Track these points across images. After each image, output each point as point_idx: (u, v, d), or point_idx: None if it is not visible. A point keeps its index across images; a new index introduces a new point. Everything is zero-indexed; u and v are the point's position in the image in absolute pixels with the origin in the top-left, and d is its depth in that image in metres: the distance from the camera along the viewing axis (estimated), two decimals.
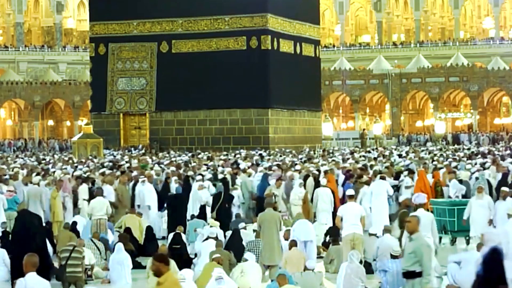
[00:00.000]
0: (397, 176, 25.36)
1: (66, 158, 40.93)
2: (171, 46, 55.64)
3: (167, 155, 43.92)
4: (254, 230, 17.94)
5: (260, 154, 40.76)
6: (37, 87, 78.80)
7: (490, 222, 18.17)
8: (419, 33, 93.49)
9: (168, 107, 55.29)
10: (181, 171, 28.09)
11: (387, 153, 40.90)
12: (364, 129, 69.41)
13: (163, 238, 20.91)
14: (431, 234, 15.14)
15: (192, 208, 21.79)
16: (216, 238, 16.96)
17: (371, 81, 79.82)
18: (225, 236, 18.25)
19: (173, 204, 21.38)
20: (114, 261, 16.45)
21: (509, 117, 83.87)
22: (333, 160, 33.05)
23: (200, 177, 23.57)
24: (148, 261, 14.70)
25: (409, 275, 10.74)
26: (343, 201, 20.76)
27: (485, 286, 7.55)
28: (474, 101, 78.58)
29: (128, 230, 18.98)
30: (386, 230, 16.41)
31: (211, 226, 18.28)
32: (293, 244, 15.99)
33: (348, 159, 34.17)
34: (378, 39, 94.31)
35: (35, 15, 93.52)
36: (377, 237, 17.03)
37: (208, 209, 21.57)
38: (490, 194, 21.58)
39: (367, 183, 22.50)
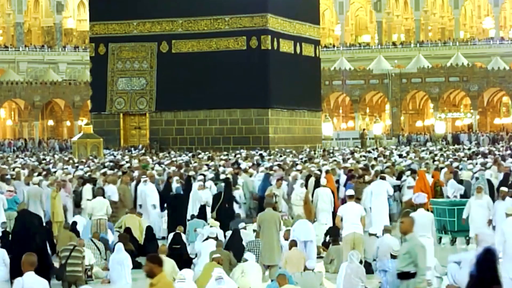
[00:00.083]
0: (399, 176, 25.39)
1: (66, 158, 40.94)
2: (171, 46, 55.64)
3: (167, 155, 43.92)
4: (254, 230, 17.94)
5: (261, 154, 40.77)
6: (37, 87, 78.81)
7: (490, 222, 18.16)
8: (419, 33, 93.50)
9: (168, 107, 55.28)
10: (182, 171, 28.11)
11: (387, 153, 40.90)
12: (364, 129, 69.39)
13: (163, 238, 20.91)
14: (431, 234, 15.15)
15: (192, 208, 21.80)
16: (216, 238, 16.97)
17: (371, 81, 79.82)
18: (225, 236, 18.25)
19: (173, 204, 21.40)
20: (114, 261, 16.45)
21: (509, 117, 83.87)
22: (334, 160, 33.06)
23: (201, 177, 23.59)
24: None
25: (404, 276, 10.74)
26: (345, 201, 20.75)
27: (479, 286, 7.57)
28: (474, 101, 78.58)
29: (128, 230, 18.98)
30: (386, 230, 16.41)
31: (211, 226, 18.28)
32: (293, 244, 15.99)
33: (348, 159, 34.18)
34: (378, 39, 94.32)
35: (35, 15, 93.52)
36: (377, 237, 17.03)
37: (208, 209, 21.57)
38: (492, 194, 21.56)
39: (370, 183, 22.51)
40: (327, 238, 18.72)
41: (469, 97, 79.50)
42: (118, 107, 56.24)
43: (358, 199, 20.63)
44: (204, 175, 24.52)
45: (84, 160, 37.38)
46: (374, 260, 15.88)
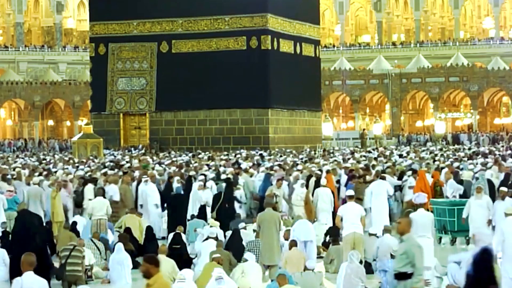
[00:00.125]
0: (400, 176, 25.38)
1: (67, 158, 40.95)
2: (171, 46, 55.63)
3: (167, 155, 43.93)
4: (254, 230, 17.94)
5: (261, 154, 40.77)
6: (37, 87, 78.81)
7: (489, 222, 18.16)
8: (419, 33, 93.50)
9: (168, 107, 55.28)
10: (182, 171, 28.14)
11: (387, 153, 40.90)
12: (364, 129, 69.39)
13: (163, 238, 20.90)
14: (431, 234, 15.15)
15: (192, 208, 21.80)
16: (216, 238, 16.97)
17: (371, 81, 79.82)
18: (225, 236, 18.25)
19: (173, 204, 21.41)
20: (114, 261, 16.45)
21: (509, 117, 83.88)
22: (335, 160, 33.07)
23: (202, 177, 23.60)
24: None
25: (401, 276, 10.74)
26: (345, 201, 20.74)
27: (476, 286, 7.57)
28: (474, 101, 78.58)
29: (128, 230, 18.97)
30: (386, 230, 16.41)
31: (211, 226, 18.28)
32: (293, 244, 15.99)
33: (349, 159, 34.20)
34: (378, 39, 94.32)
35: (35, 15, 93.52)
36: (377, 237, 17.03)
37: (208, 209, 21.57)
38: (493, 194, 21.54)
39: (371, 183, 22.50)
40: (327, 238, 18.72)
41: (469, 97, 79.50)
42: (118, 107, 56.24)
43: (358, 199, 20.64)
44: (205, 175, 24.53)
45: (84, 160, 37.40)
46: (374, 260, 15.88)
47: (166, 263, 14.75)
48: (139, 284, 16.04)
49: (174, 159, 37.53)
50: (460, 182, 24.00)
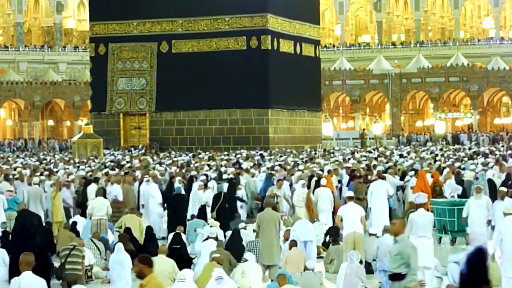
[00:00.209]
0: (402, 176, 25.37)
1: (67, 158, 40.96)
2: (171, 46, 55.64)
3: (168, 155, 43.94)
4: (254, 230, 17.94)
5: (261, 154, 40.79)
6: (37, 87, 78.82)
7: (489, 222, 18.16)
8: (419, 33, 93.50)
9: (168, 107, 55.29)
10: (183, 170, 28.16)
11: (387, 153, 40.91)
12: (364, 129, 69.39)
13: (163, 238, 20.90)
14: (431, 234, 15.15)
15: (192, 208, 21.80)
16: (216, 238, 16.97)
17: (371, 81, 79.83)
18: (225, 236, 18.25)
19: (173, 204, 21.40)
20: (114, 261, 16.45)
21: (509, 117, 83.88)
22: (336, 160, 33.08)
23: (204, 177, 23.59)
24: None
25: (395, 277, 10.74)
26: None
27: (469, 285, 7.58)
28: (474, 101, 78.59)
29: (128, 230, 18.97)
30: (386, 230, 16.40)
31: (211, 226, 18.28)
32: (293, 244, 15.99)
33: (349, 159, 34.21)
34: (378, 39, 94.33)
35: (35, 15, 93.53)
36: (377, 237, 17.03)
37: (208, 209, 21.56)
38: (495, 193, 21.52)
39: (371, 183, 22.50)
40: (327, 238, 18.71)
41: (469, 97, 79.50)
42: (118, 107, 56.24)
43: (358, 199, 20.65)
44: (207, 175, 24.54)
45: (85, 160, 37.41)
46: (374, 260, 15.88)
47: (166, 263, 14.75)
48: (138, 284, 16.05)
49: (174, 159, 37.54)
50: (461, 182, 23.98)
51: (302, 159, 35.99)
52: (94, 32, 57.65)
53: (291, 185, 23.96)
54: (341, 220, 16.10)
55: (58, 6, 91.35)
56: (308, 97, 58.40)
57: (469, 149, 46.16)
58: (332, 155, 40.54)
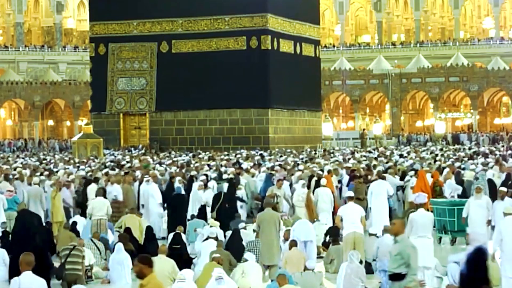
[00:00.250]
0: (402, 176, 25.36)
1: (67, 158, 40.96)
2: (171, 46, 55.63)
3: (168, 155, 43.94)
4: (254, 230, 17.94)
5: (261, 154, 40.79)
6: (37, 87, 78.82)
7: (489, 222, 18.17)
8: (419, 33, 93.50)
9: (168, 107, 55.29)
10: (183, 170, 28.17)
11: (388, 153, 40.91)
12: (364, 129, 69.38)
13: (163, 238, 20.90)
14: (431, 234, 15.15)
15: (192, 208, 21.80)
16: (216, 238, 16.96)
17: (371, 81, 79.83)
18: (225, 236, 18.25)
19: (173, 204, 21.39)
20: (114, 261, 16.44)
21: (509, 117, 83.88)
22: (336, 160, 33.08)
23: (204, 177, 23.58)
24: None
25: (395, 277, 10.74)
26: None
27: (468, 285, 7.59)
28: (474, 101, 78.59)
29: (128, 230, 18.96)
30: (386, 230, 16.40)
31: (211, 226, 18.28)
32: (293, 244, 15.99)
33: (349, 159, 34.20)
34: (378, 39, 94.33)
35: (35, 15, 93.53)
36: (377, 237, 17.03)
37: (208, 209, 21.56)
38: (495, 193, 21.52)
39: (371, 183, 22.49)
40: (327, 238, 18.71)
41: (469, 97, 79.50)
42: (118, 107, 56.24)
43: (358, 199, 20.66)
44: (207, 175, 24.54)
45: (85, 160, 37.41)
46: (374, 260, 15.88)
47: (166, 263, 14.75)
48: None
49: (174, 159, 37.55)
50: (461, 182, 23.97)
51: (302, 159, 35.98)
52: (94, 32, 57.65)
53: (291, 185, 23.95)
54: (341, 220, 16.10)
55: (58, 6, 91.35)
56: (308, 97, 58.40)
57: (469, 149, 46.16)
58: (332, 155, 40.53)
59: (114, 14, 56.28)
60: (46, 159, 40.96)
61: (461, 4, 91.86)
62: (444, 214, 20.24)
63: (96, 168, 30.44)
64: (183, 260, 16.52)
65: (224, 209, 21.20)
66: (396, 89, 78.81)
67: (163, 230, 21.89)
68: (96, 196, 20.80)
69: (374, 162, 31.31)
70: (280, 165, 29.02)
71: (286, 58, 56.00)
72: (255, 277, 14.85)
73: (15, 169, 29.25)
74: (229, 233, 18.31)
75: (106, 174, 26.14)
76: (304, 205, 21.60)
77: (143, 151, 50.68)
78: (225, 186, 22.69)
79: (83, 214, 21.49)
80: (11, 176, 24.69)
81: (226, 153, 44.88)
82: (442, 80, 77.64)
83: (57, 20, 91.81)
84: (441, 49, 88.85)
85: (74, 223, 19.69)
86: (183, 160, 36.39)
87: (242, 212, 22.58)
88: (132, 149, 52.82)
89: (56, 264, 15.90)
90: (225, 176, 24.82)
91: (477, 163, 28.76)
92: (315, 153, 43.27)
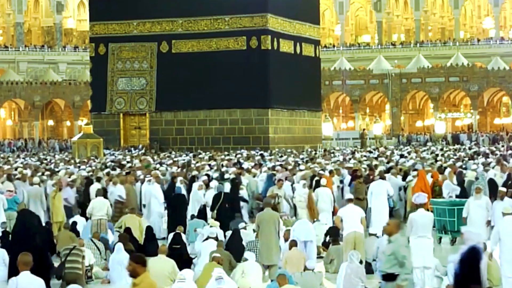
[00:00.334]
0: (404, 176, 25.34)
1: (67, 158, 40.95)
2: (171, 46, 55.64)
3: (169, 155, 43.93)
4: (254, 230, 17.93)
5: (261, 154, 40.78)
6: (37, 87, 78.82)
7: (488, 222, 18.16)
8: (419, 33, 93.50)
9: (168, 107, 55.29)
10: (184, 170, 28.17)
11: (388, 153, 40.89)
12: (364, 129, 69.36)
13: (163, 238, 20.89)
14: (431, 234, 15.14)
15: (192, 208, 21.79)
16: (216, 238, 16.96)
17: (371, 81, 79.83)
18: (225, 236, 18.25)
19: (174, 204, 21.39)
20: (114, 261, 16.44)
21: (509, 117, 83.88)
22: (338, 160, 33.05)
23: (205, 177, 23.57)
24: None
25: (388, 277, 10.74)
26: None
27: (461, 284, 7.60)
28: (474, 101, 78.59)
29: (128, 230, 18.96)
30: None
31: (211, 226, 18.27)
32: (293, 244, 15.98)
33: (350, 159, 34.19)
34: (378, 39, 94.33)
35: (35, 15, 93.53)
36: (377, 237, 17.02)
37: (208, 209, 21.55)
38: (496, 193, 21.50)
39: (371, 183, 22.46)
40: (327, 238, 18.70)
41: (469, 97, 79.51)
42: (118, 107, 56.25)
43: (358, 199, 20.65)
44: (209, 175, 24.53)
45: (85, 160, 37.41)
46: (374, 260, 15.88)
47: (166, 263, 14.75)
48: None
49: (175, 159, 37.55)
50: (462, 182, 23.96)
51: (302, 159, 35.97)
52: (94, 32, 57.65)
53: (292, 185, 23.92)
54: (341, 220, 16.09)
55: (58, 6, 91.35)
56: (308, 97, 58.40)
57: (469, 149, 46.15)
58: (332, 155, 40.52)
59: (114, 14, 56.29)
60: (46, 159, 40.94)
61: (461, 4, 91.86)
62: (444, 214, 20.24)
63: (97, 168, 30.44)
64: (183, 260, 16.51)
65: (224, 209, 21.19)
66: (396, 89, 78.81)
67: (163, 230, 21.88)
68: (96, 196, 20.79)
69: (375, 162, 31.27)
70: (281, 165, 29.01)
71: (286, 58, 56.01)
72: (255, 277, 14.85)
73: (16, 169, 29.25)
74: (229, 233, 18.30)
75: (108, 174, 26.14)
76: (305, 206, 21.57)
77: (143, 151, 50.68)
78: (226, 186, 22.67)
79: (83, 214, 21.50)
80: (12, 176, 24.67)
81: (226, 153, 44.88)
82: (442, 80, 77.64)
83: (57, 20, 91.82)
84: (441, 49, 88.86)
85: (74, 223, 19.69)
86: (183, 160, 36.37)
87: (243, 212, 22.56)
88: (132, 149, 52.82)
89: (56, 264, 15.90)
90: (226, 176, 24.81)
91: (478, 163, 28.74)
92: (316, 153, 43.26)
